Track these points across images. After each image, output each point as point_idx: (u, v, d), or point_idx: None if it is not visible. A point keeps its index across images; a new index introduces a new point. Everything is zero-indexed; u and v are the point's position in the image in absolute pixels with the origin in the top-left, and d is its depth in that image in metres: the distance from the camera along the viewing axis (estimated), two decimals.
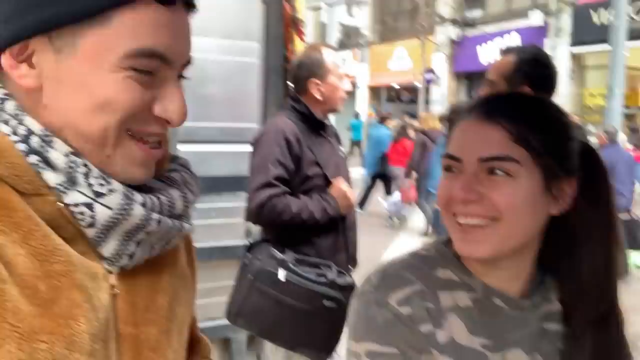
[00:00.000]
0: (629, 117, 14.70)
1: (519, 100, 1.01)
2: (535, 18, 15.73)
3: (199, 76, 3.61)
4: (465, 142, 0.93)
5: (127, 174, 0.70)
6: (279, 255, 2.29)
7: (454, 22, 18.28)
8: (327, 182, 2.43)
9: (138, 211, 0.69)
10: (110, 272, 0.72)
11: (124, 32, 0.65)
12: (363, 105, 23.09)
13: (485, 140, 0.90)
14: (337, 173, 2.49)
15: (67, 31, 0.65)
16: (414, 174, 8.51)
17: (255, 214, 2.32)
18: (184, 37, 0.72)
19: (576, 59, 15.37)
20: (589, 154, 0.97)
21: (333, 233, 2.44)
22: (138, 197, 0.70)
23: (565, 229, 0.97)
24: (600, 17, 14.08)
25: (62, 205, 0.67)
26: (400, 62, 21.29)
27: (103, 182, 0.68)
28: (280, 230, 2.39)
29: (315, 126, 2.50)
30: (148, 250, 0.75)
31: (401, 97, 23.37)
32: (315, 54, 2.50)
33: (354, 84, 22.24)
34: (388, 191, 10.35)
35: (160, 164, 0.79)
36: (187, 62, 0.74)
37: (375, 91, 23.53)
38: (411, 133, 9.85)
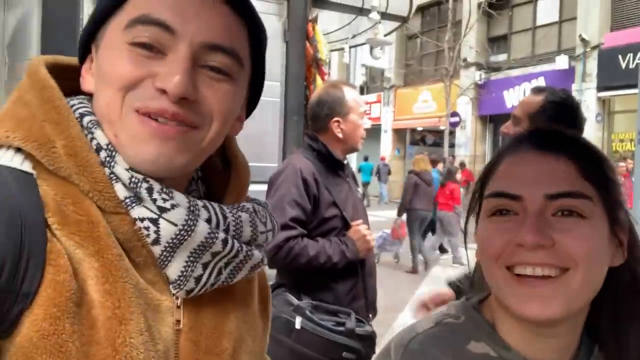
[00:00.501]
0: None
1: (576, 135, 0.85)
2: (561, 62, 15.68)
3: None
4: (524, 177, 0.77)
5: (136, 153, 0.69)
6: (294, 301, 2.18)
7: (479, 66, 18.32)
8: (346, 224, 2.33)
9: (203, 227, 0.69)
10: (178, 307, 0.72)
11: (130, 9, 0.70)
12: (387, 148, 23.07)
13: (551, 175, 0.75)
14: (356, 215, 2.39)
15: (103, 27, 0.73)
16: (404, 213, 9.22)
17: (270, 257, 2.22)
18: (198, 12, 0.71)
19: (603, 103, 15.20)
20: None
21: (352, 278, 2.32)
22: (203, 212, 0.72)
23: (613, 290, 0.83)
24: (627, 60, 13.96)
25: (133, 219, 0.68)
26: (424, 105, 21.31)
27: (166, 196, 0.69)
28: (297, 274, 2.29)
29: (333, 166, 2.41)
30: (215, 275, 0.73)
31: (425, 140, 23.31)
32: (336, 91, 2.44)
33: (378, 127, 22.35)
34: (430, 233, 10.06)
35: (238, 195, 0.82)
36: (210, 45, 0.71)
37: (399, 134, 23.52)
38: (458, 177, 9.73)
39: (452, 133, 18.76)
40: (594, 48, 15.01)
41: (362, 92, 23.93)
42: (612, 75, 14.28)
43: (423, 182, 9.17)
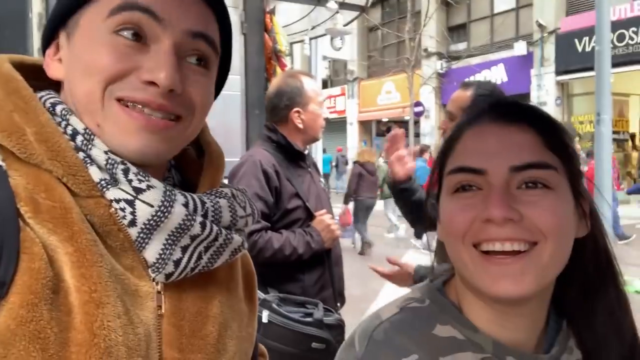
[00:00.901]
0: (618, 143, 14.76)
1: (534, 106, 0.82)
2: (520, 48, 15.92)
3: None
4: (487, 150, 0.73)
5: (121, 144, 0.69)
6: (261, 295, 2.13)
7: (440, 55, 18.48)
8: (309, 215, 2.30)
9: (180, 210, 0.70)
10: (159, 292, 0.72)
11: None
12: (354, 140, 23.12)
13: (514, 147, 0.72)
14: (319, 205, 2.37)
15: (77, 15, 0.71)
16: (350, 200, 9.98)
17: None
18: (180, 1, 0.72)
19: (562, 86, 15.50)
20: None
21: (318, 268, 2.31)
22: (180, 197, 0.72)
23: (578, 262, 0.81)
24: (583, 44, 14.25)
25: (108, 202, 0.68)
26: (388, 96, 21.42)
27: (142, 177, 0.69)
28: (263, 267, 2.23)
29: (294, 157, 2.38)
30: (195, 260, 0.73)
31: (391, 131, 23.46)
32: (294, 81, 2.40)
33: (344, 120, 22.39)
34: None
35: (213, 181, 0.82)
36: (194, 32, 0.72)
37: (365, 126, 23.60)
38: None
39: (417, 123, 18.89)
40: (550, 33, 15.27)
41: (325, 85, 24.03)
42: (569, 59, 14.55)
43: (367, 172, 10.03)
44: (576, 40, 14.46)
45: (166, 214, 0.69)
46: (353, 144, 22.92)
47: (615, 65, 10.40)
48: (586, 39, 13.99)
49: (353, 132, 23.45)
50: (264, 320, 2.06)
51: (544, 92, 15.45)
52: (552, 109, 14.50)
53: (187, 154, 0.88)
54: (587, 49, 13.87)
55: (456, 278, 0.83)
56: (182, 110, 0.73)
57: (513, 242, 0.70)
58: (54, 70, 0.75)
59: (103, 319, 0.63)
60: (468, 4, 18.24)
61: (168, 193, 0.70)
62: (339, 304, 2.38)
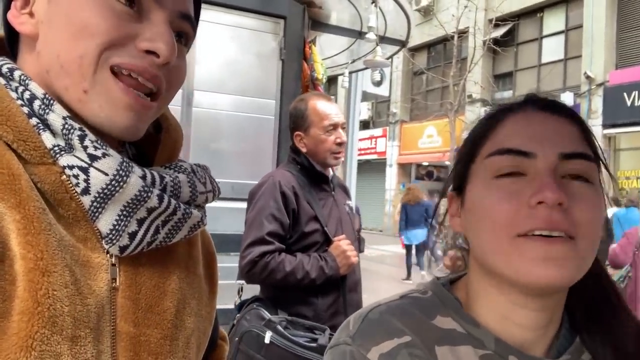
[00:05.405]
0: None
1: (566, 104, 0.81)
2: (566, 99, 15.70)
3: (212, 131, 3.57)
4: (536, 135, 0.70)
5: (108, 116, 0.68)
6: (266, 315, 2.09)
7: (484, 102, 18.38)
8: (327, 239, 2.25)
9: (135, 181, 0.67)
10: (114, 265, 0.69)
11: None
12: (392, 182, 23.02)
13: (564, 134, 0.70)
14: (339, 229, 2.31)
15: None
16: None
17: (246, 272, 2.14)
18: None
19: (609, 140, 15.15)
20: None
21: (333, 293, 2.24)
22: (137, 169, 0.69)
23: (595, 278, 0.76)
24: (632, 98, 13.97)
25: (61, 169, 0.65)
26: (429, 140, 21.34)
27: (98, 145, 0.67)
28: (276, 289, 2.21)
29: (317, 179, 2.34)
30: (152, 234, 0.71)
31: (430, 175, 23.27)
32: (300, 105, 2.38)
33: (384, 161, 22.35)
34: None
35: (171, 155, 0.80)
36: (184, 14, 0.73)
37: (404, 168, 23.50)
38: None
39: None
40: (599, 85, 15.03)
41: (367, 126, 24.13)
42: (617, 113, 14.25)
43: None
44: (625, 94, 14.18)
45: (121, 183, 0.66)
46: (391, 186, 22.81)
47: None
48: (635, 93, 13.72)
49: (392, 174, 23.39)
50: (266, 341, 2.00)
51: None
52: None
53: None
54: (636, 103, 13.59)
55: (468, 276, 0.79)
56: (163, 87, 0.72)
57: (561, 230, 0.66)
58: (25, 25, 0.70)
59: (48, 287, 0.60)
60: (515, 52, 18.19)
61: (125, 163, 0.68)
62: None
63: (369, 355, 0.69)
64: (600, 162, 0.74)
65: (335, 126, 2.33)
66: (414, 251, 11.38)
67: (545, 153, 0.69)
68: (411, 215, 11.14)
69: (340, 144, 2.33)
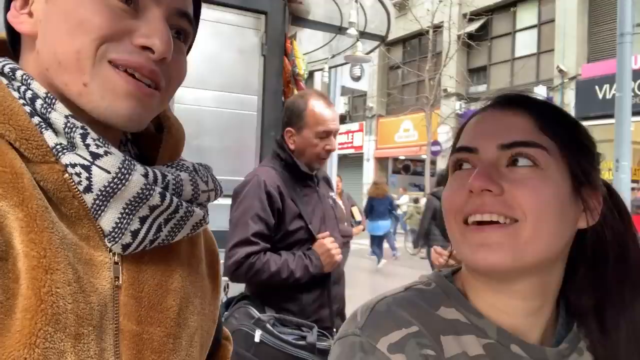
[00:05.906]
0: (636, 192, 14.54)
1: (541, 97, 0.85)
2: (539, 93, 15.90)
3: (195, 127, 3.55)
4: (480, 132, 0.78)
5: (110, 105, 0.68)
6: (256, 313, 2.09)
7: (459, 96, 18.56)
8: (311, 236, 2.25)
9: (138, 178, 0.68)
10: (117, 263, 0.70)
11: None
12: (369, 176, 23.14)
13: (506, 128, 0.75)
14: (323, 226, 2.31)
15: None
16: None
17: (231, 272, 2.14)
18: None
19: None
20: (610, 191, 0.83)
21: (318, 288, 2.25)
22: (139, 167, 0.69)
23: (596, 265, 0.80)
24: (604, 91, 14.23)
25: (63, 167, 0.65)
26: (406, 134, 21.48)
27: (100, 143, 0.67)
28: (261, 285, 2.21)
29: (301, 176, 2.33)
30: (155, 232, 0.71)
31: (407, 169, 23.45)
32: (300, 102, 2.33)
33: (361, 155, 22.42)
34: None
35: (172, 154, 0.81)
36: (181, 11, 0.73)
37: (382, 162, 23.62)
38: None
39: (433, 162, 18.88)
40: (571, 79, 15.29)
41: (344, 121, 24.17)
42: (589, 106, 14.51)
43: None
44: (597, 87, 14.45)
45: (123, 181, 0.66)
46: (368, 180, 22.93)
47: (635, 114, 10.35)
48: (607, 86, 13.98)
49: (369, 168, 23.49)
50: (256, 339, 2.01)
51: None
52: None
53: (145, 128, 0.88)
54: (608, 96, 13.85)
55: (463, 267, 0.84)
56: (164, 82, 0.72)
57: (492, 214, 0.72)
58: (24, 24, 0.71)
59: (51, 285, 0.60)
60: (489, 47, 18.38)
61: (127, 162, 0.68)
62: (335, 324, 2.31)
63: (378, 345, 0.71)
64: (565, 146, 0.76)
65: (328, 133, 2.30)
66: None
67: (485, 147, 0.76)
68: (377, 207, 12.07)
69: (328, 151, 2.30)
